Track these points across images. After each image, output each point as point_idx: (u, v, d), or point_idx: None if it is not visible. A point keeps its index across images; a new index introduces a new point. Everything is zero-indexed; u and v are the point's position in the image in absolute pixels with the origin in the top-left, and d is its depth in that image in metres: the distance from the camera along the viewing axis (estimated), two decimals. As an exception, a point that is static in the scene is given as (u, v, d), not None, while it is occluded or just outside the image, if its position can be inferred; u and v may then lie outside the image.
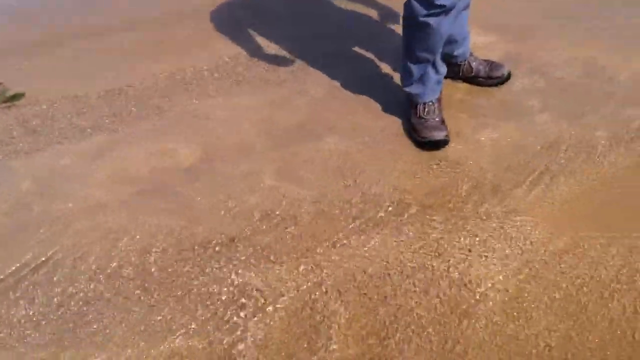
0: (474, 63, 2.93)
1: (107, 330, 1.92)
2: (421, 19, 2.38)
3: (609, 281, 1.92)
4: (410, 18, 2.44)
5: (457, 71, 2.96)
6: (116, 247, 2.23)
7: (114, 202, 2.43)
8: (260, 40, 3.42)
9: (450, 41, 2.73)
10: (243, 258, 2.13)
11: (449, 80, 2.85)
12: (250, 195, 2.42)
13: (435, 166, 2.49)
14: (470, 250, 2.07)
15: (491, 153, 2.51)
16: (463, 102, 2.87)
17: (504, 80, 2.85)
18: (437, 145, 2.56)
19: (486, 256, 2.04)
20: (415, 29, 2.45)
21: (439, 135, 2.55)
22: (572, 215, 2.17)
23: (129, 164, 2.64)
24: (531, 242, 2.08)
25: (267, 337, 1.85)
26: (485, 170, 2.42)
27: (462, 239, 2.12)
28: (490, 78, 2.93)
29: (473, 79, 2.95)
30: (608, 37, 3.22)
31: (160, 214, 2.35)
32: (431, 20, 2.38)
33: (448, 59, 2.85)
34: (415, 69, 2.57)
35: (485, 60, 2.96)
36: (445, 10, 2.33)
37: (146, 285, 2.07)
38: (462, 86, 2.97)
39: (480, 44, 3.23)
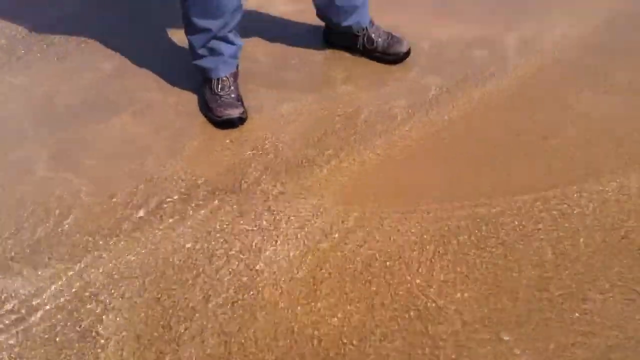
0: (374, 35, 2.81)
1: None
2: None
3: (397, 257, 1.91)
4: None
5: (356, 42, 2.84)
6: None
7: None
8: (41, 16, 3.09)
9: (339, 11, 2.67)
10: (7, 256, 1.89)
11: (248, 52, 2.71)
12: (20, 187, 2.16)
13: (229, 145, 2.38)
14: (260, 232, 1.99)
15: (290, 129, 2.46)
16: (265, 75, 2.79)
17: (401, 57, 2.75)
18: (232, 123, 2.45)
19: (276, 238, 1.97)
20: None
21: (234, 112, 2.44)
22: (366, 190, 2.16)
23: None
24: (323, 221, 2.03)
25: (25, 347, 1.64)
26: (282, 147, 2.36)
27: (253, 221, 2.03)
28: (387, 54, 2.83)
29: (372, 53, 2.84)
30: (412, 5, 3.28)
31: None
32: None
33: (340, 29, 2.77)
34: (195, 40, 2.43)
35: (387, 33, 2.83)
36: None
37: None
38: (264, 59, 2.88)
39: (288, 12, 3.16)
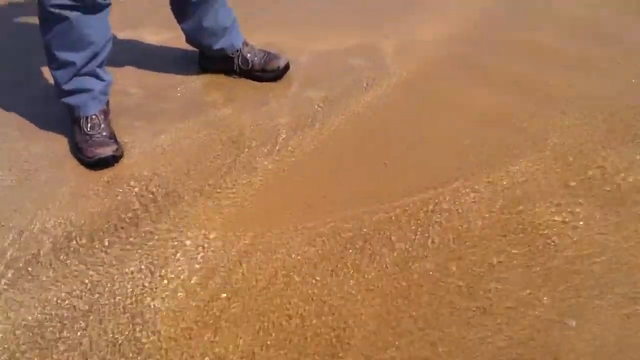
0: (249, 54, 2.74)
1: None
2: (49, 8, 2.10)
3: (297, 274, 1.83)
4: (40, 6, 2.15)
5: (232, 64, 2.76)
6: None
7: None
8: None
9: (208, 34, 2.60)
10: None
11: (118, 86, 2.58)
12: None
13: (105, 186, 2.23)
14: (146, 273, 1.85)
15: (171, 161, 2.34)
16: (138, 107, 2.67)
17: (280, 72, 2.71)
18: (106, 162, 2.30)
19: (163, 276, 1.84)
20: (48, 22, 2.17)
21: (106, 151, 2.30)
22: (257, 213, 2.08)
23: None
24: (212, 251, 1.93)
25: None
26: (164, 181, 2.24)
27: (136, 263, 1.90)
28: (265, 71, 2.77)
29: (250, 73, 2.76)
30: (286, 21, 3.27)
31: None
32: (65, 12, 2.11)
33: (213, 53, 2.68)
34: (60, 75, 2.28)
35: (262, 51, 2.77)
36: (82, 2, 2.09)
37: None
38: (136, 91, 2.75)
39: (159, 41, 3.06)
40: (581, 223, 1.94)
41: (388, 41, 2.99)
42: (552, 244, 1.89)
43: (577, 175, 2.13)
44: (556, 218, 1.97)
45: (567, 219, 1.96)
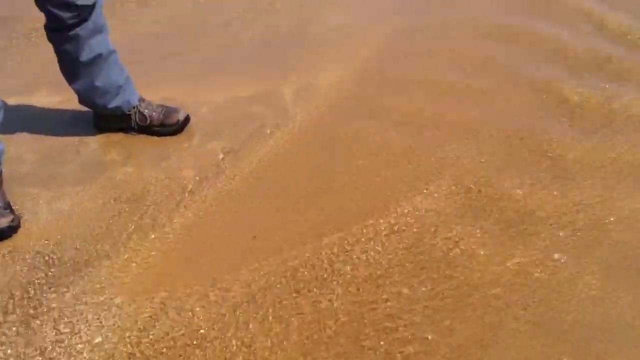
0: (146, 110, 2.69)
1: None
2: None
3: (210, 335, 1.80)
4: None
5: (129, 122, 2.70)
6: None
7: None
8: None
9: (102, 94, 2.54)
10: None
11: (11, 153, 2.52)
12: None
13: (3, 259, 2.13)
14: (50, 344, 1.77)
15: (71, 226, 2.27)
16: (34, 174, 2.58)
17: (181, 126, 2.70)
18: (2, 234, 2.20)
19: (69, 346, 1.76)
20: None
21: (1, 223, 2.20)
22: (165, 272, 2.04)
23: None
24: (120, 316, 1.86)
25: None
26: (65, 247, 2.17)
27: (41, 333, 1.81)
28: (165, 126, 2.72)
29: (149, 129, 2.71)
30: (183, 73, 3.27)
31: None
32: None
33: (109, 112, 2.62)
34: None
35: (160, 106, 2.73)
36: None
37: None
38: (31, 156, 2.66)
39: (52, 103, 2.99)
40: (483, 252, 2.02)
41: (288, 86, 3.04)
42: (459, 274, 1.95)
43: (478, 203, 2.22)
44: (462, 247, 2.04)
45: (471, 248, 2.04)
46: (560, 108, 2.73)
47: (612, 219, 2.11)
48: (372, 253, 2.04)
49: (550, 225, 2.10)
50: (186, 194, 2.38)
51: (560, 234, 2.07)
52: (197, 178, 2.47)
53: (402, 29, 3.45)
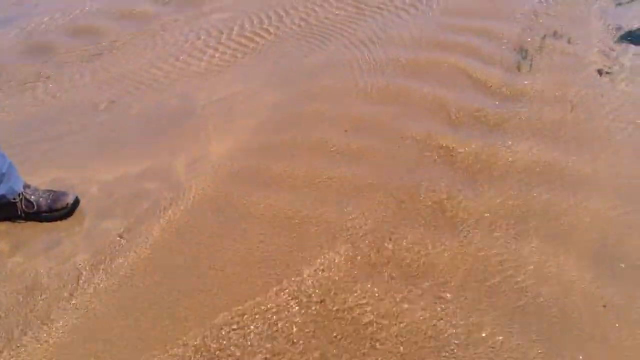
0: (33, 197, 2.61)
1: None
2: None
3: None
4: None
5: (15, 210, 2.59)
6: None
7: None
8: None
9: None
10: None
11: None
12: None
13: None
14: None
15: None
16: None
17: (70, 209, 2.66)
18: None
19: None
20: None
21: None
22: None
23: None
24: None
25: None
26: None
27: None
28: (54, 211, 2.64)
29: (37, 215, 2.62)
30: (70, 155, 3.22)
31: None
32: None
33: None
34: None
35: (47, 191, 2.65)
36: None
37: None
38: None
39: None
40: (386, 301, 2.13)
41: (179, 160, 3.06)
42: (364, 334, 2.04)
43: (375, 263, 2.34)
44: (362, 301, 2.13)
45: (372, 306, 2.14)
46: (444, 161, 2.92)
47: (510, 273, 2.29)
48: (276, 322, 2.07)
49: (449, 276, 2.23)
50: (80, 282, 2.32)
51: (451, 283, 2.20)
52: (92, 262, 2.42)
53: (287, 96, 3.58)
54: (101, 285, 2.31)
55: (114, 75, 4.01)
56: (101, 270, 2.37)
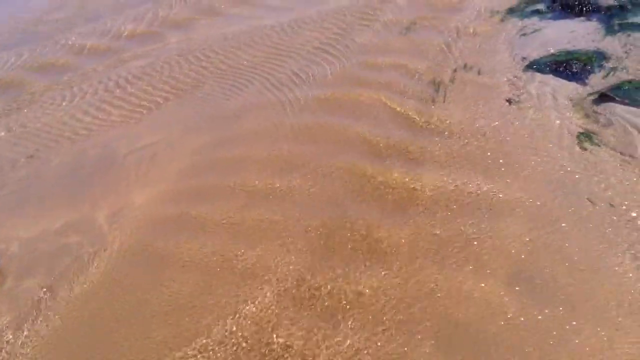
0: None
1: None
2: None
3: None
4: None
5: None
6: None
7: None
8: None
9: None
10: None
11: None
12: None
13: None
14: None
15: None
16: None
17: None
18: None
19: None
20: None
21: None
22: None
23: None
24: None
25: None
26: None
27: None
28: None
29: None
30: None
31: None
32: None
33: None
34: None
35: None
36: None
37: None
38: None
39: None
40: (311, 338, 2.19)
41: (102, 211, 3.06)
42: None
43: (304, 298, 2.41)
44: (287, 340, 2.20)
45: (296, 338, 2.20)
46: (367, 192, 3.04)
47: (433, 298, 2.39)
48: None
49: (377, 307, 2.33)
50: (7, 344, 2.28)
51: (385, 314, 2.29)
52: (16, 323, 2.39)
53: (209, 141, 3.64)
54: (27, 346, 2.26)
55: (31, 129, 3.98)
56: (27, 332, 2.34)
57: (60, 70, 4.78)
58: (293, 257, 2.68)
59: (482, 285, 2.45)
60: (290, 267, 2.62)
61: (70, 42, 4.94)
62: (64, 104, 4.23)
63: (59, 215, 3.11)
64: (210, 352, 2.14)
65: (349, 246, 2.74)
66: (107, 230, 2.97)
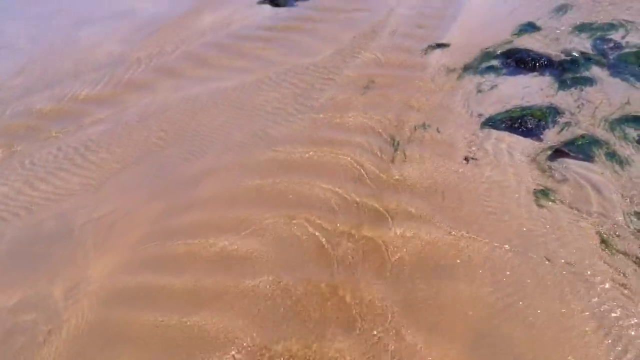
0: None
1: None
2: None
3: None
4: None
5: None
6: None
7: None
8: None
9: None
10: None
11: None
12: None
13: None
14: None
15: None
16: None
17: None
18: None
19: None
20: None
21: None
22: None
23: None
24: None
25: None
26: None
27: None
28: None
29: None
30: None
31: None
32: None
33: None
34: None
35: None
36: None
37: None
38: None
39: None
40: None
41: (58, 286, 3.04)
42: None
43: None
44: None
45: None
46: (326, 255, 3.04)
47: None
48: None
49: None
50: None
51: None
52: None
53: (168, 208, 3.67)
54: None
55: (-14, 200, 3.94)
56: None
57: (17, 136, 4.75)
58: (256, 326, 2.70)
59: (444, 352, 2.47)
60: (253, 336, 2.63)
61: (28, 108, 4.93)
62: (22, 172, 4.20)
63: (12, 291, 3.07)
64: None
65: (310, 310, 2.82)
66: (62, 307, 2.94)
